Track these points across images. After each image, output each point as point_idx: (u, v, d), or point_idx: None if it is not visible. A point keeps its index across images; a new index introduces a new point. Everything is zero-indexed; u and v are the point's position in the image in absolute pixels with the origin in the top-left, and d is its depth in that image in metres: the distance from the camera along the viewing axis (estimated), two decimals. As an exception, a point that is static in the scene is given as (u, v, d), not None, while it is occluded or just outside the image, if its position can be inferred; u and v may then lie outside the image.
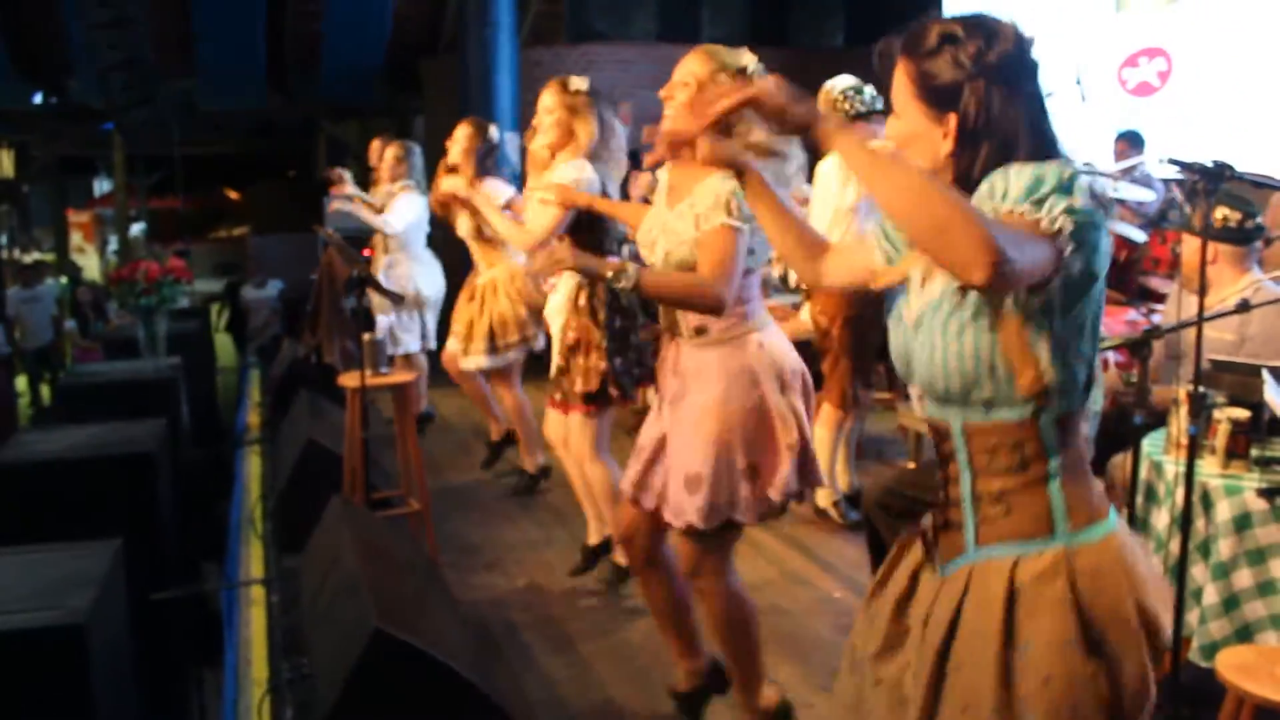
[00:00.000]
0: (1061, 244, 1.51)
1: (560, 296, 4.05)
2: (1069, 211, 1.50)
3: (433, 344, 6.47)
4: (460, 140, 5.16)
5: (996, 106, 1.63)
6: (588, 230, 3.84)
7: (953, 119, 1.64)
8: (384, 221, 6.27)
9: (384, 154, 6.61)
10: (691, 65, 2.82)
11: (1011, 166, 1.57)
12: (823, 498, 4.89)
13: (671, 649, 3.21)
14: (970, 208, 1.43)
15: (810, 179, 4.60)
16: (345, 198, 6.57)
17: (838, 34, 14.07)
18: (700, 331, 2.86)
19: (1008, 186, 1.54)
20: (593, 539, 4.38)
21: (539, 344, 5.19)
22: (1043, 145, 1.64)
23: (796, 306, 5.64)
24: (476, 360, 5.25)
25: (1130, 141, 7.81)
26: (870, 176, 1.51)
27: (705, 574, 2.91)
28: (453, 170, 5.13)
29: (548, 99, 3.96)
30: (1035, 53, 1.70)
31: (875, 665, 1.83)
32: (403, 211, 6.29)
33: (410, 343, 6.44)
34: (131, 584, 3.32)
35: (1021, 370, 1.61)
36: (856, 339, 4.71)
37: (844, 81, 4.66)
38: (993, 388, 1.63)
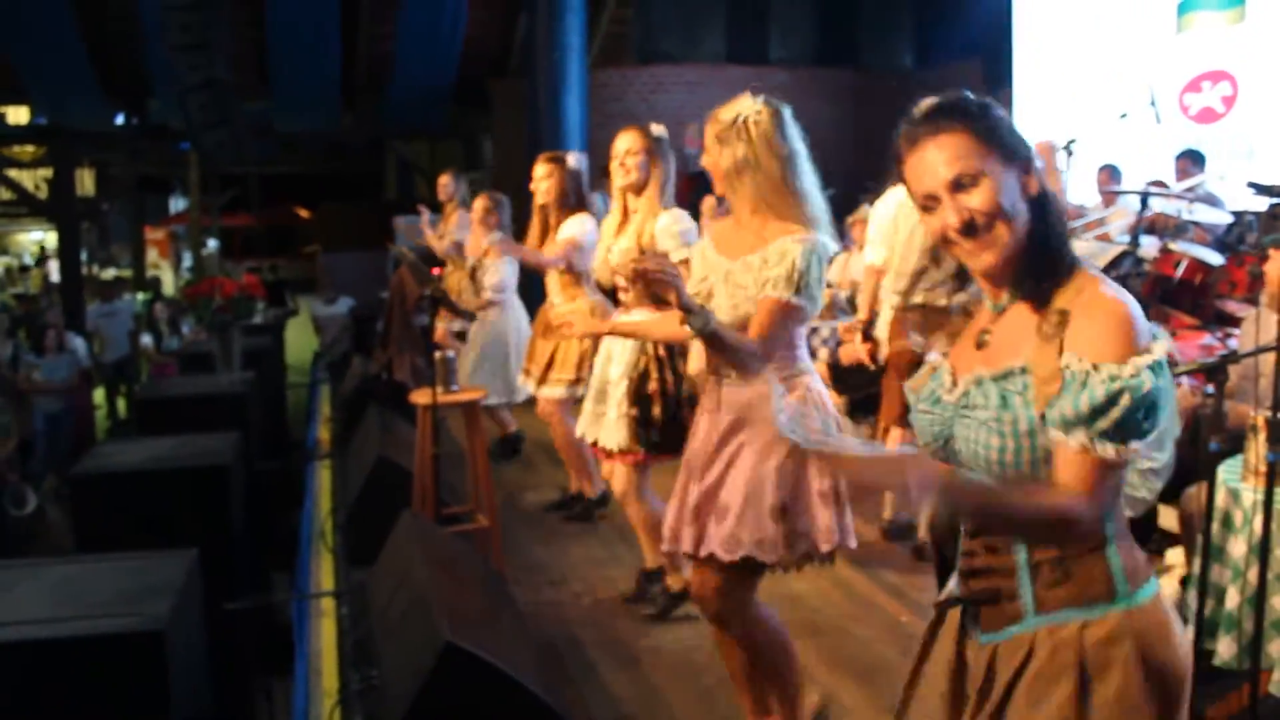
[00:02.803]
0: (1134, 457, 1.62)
1: (627, 342, 4.00)
2: (1143, 431, 1.60)
3: (519, 399, 6.22)
4: (542, 178, 5.08)
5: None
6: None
7: (1029, 165, 1.66)
8: (488, 297, 6.17)
9: (473, 204, 6.52)
10: (707, 133, 2.91)
11: (1091, 371, 1.57)
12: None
13: (744, 706, 3.18)
14: (1044, 509, 1.60)
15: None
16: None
17: (907, 55, 14.02)
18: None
19: (1077, 404, 1.57)
20: (650, 564, 4.37)
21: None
22: None
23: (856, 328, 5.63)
24: (554, 390, 5.14)
25: (1192, 159, 7.68)
26: (978, 516, 1.69)
27: (730, 614, 2.92)
28: (543, 210, 5.11)
29: (631, 143, 3.99)
30: None
31: None
32: (502, 278, 6.18)
33: (492, 396, 6.21)
34: (205, 593, 3.39)
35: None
36: (915, 359, 4.67)
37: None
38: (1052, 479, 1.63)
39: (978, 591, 1.75)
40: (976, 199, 1.63)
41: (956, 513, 1.68)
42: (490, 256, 6.13)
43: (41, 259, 24.24)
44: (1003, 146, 1.64)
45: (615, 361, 4.00)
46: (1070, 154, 6.66)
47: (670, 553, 4.07)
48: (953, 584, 1.85)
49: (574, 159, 5.21)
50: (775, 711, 3.08)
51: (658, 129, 3.99)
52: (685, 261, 3.71)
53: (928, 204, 1.68)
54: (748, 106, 2.85)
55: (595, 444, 4.13)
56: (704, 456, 2.94)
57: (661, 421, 3.86)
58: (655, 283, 2.63)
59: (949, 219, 1.65)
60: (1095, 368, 1.56)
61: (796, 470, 2.82)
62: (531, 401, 5.50)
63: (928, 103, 1.68)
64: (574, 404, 5.23)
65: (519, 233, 6.29)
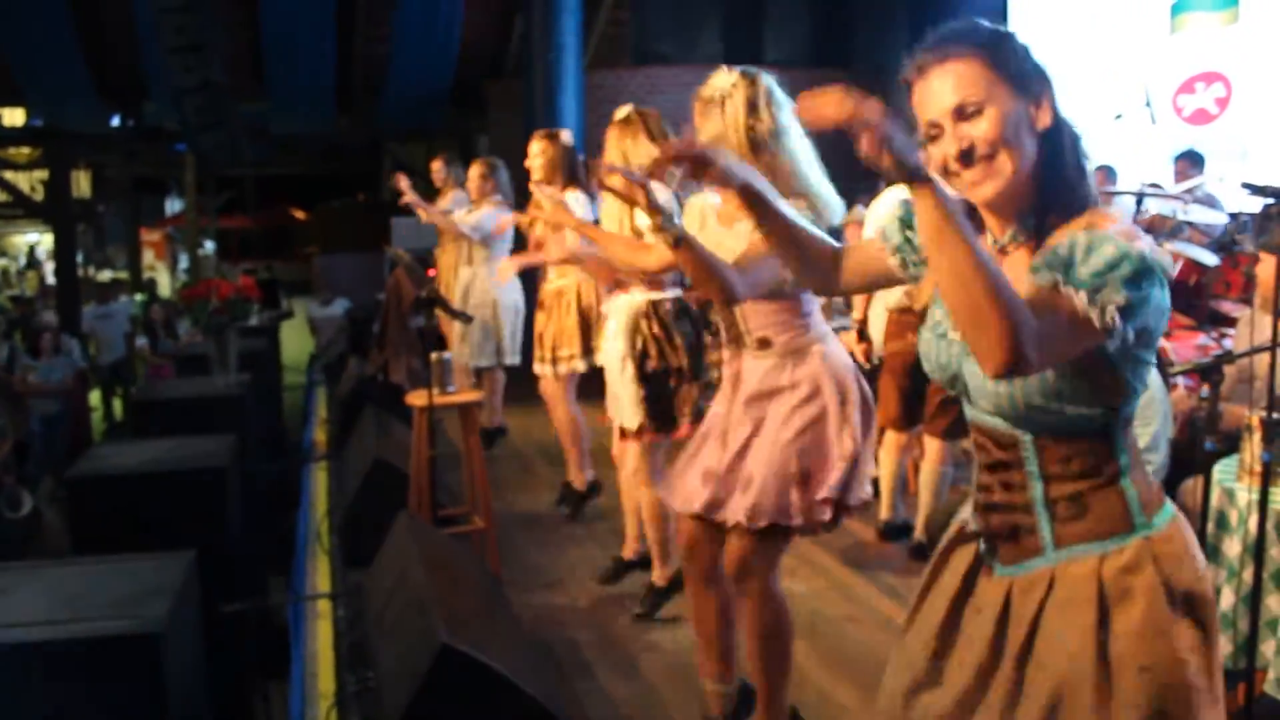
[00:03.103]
0: (1111, 330, 1.51)
1: (621, 316, 4.02)
2: (1128, 307, 1.50)
3: (509, 360, 6.42)
4: (536, 155, 5.14)
5: (1059, 104, 1.65)
6: None
7: (1047, 95, 1.63)
8: (468, 228, 6.25)
9: (468, 172, 6.59)
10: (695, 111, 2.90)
11: (1097, 232, 1.55)
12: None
13: (706, 668, 3.21)
14: (1009, 301, 1.44)
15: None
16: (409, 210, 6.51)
17: (902, 55, 14.02)
18: (764, 344, 2.91)
19: (1081, 257, 1.53)
20: (627, 553, 4.48)
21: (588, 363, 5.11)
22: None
23: (847, 329, 5.64)
24: (554, 368, 5.20)
25: (1191, 161, 7.69)
26: (934, 240, 1.48)
27: (751, 577, 2.93)
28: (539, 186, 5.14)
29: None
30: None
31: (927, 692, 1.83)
32: (485, 221, 6.25)
33: (483, 358, 6.39)
34: (202, 596, 3.39)
35: (1098, 385, 1.62)
36: (910, 360, 4.67)
37: None
38: (1068, 408, 1.63)
39: (996, 527, 1.76)
40: (979, 127, 1.60)
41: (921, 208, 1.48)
42: (484, 207, 6.20)
43: (31, 263, 24.17)
44: (1013, 75, 1.61)
45: (616, 342, 4.00)
46: None
47: (658, 544, 4.12)
48: (967, 514, 1.85)
49: (567, 135, 5.23)
50: (759, 698, 3.09)
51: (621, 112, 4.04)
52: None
53: (931, 132, 1.65)
54: (723, 81, 2.87)
55: (620, 429, 4.12)
56: (725, 425, 2.97)
57: (664, 397, 3.89)
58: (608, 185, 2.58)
59: (948, 147, 1.62)
60: (1094, 235, 1.55)
61: (821, 435, 2.85)
62: (530, 405, 5.54)
63: (938, 36, 1.66)
64: (576, 381, 5.26)
65: (519, 203, 6.32)
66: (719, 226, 2.98)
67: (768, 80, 2.90)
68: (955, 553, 1.87)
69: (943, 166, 1.63)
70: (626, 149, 3.97)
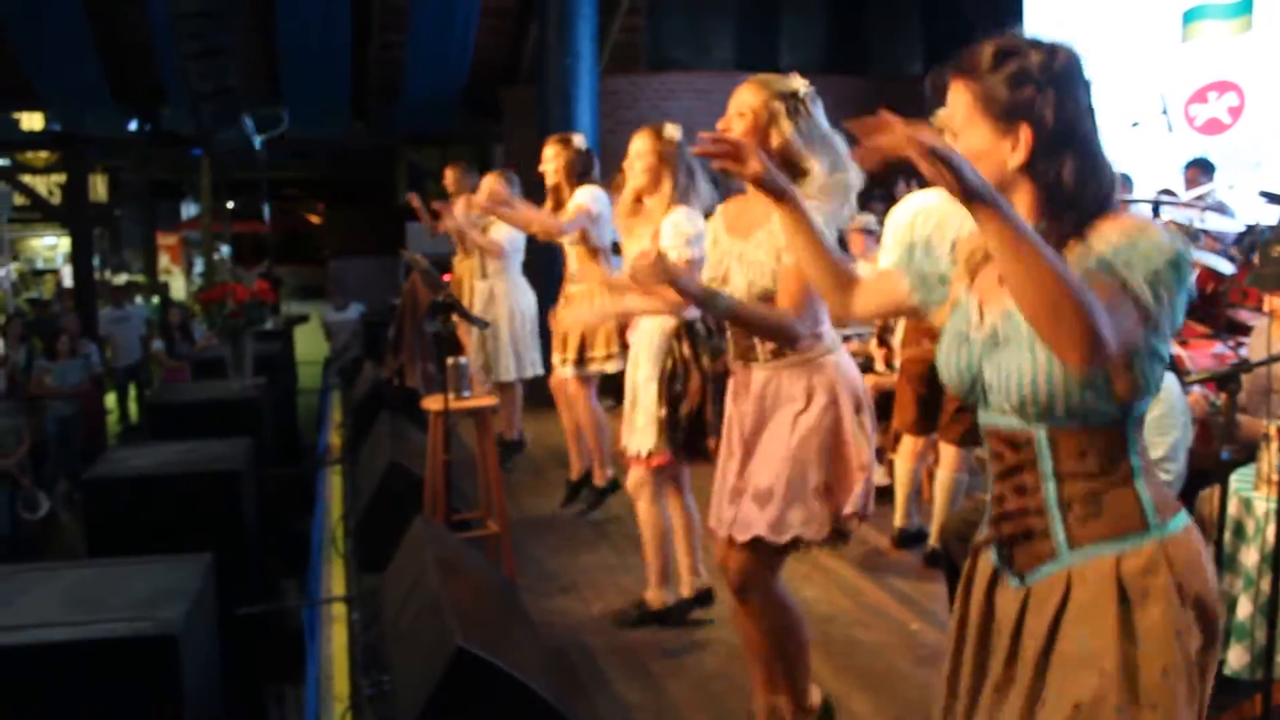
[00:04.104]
0: (1155, 320, 1.58)
1: (651, 337, 3.97)
2: (1173, 302, 1.58)
3: (530, 373, 6.35)
4: (550, 159, 5.15)
5: (1072, 112, 1.66)
6: None
7: (1024, 129, 1.66)
8: (492, 242, 6.22)
9: (480, 184, 6.58)
10: (745, 97, 2.87)
11: (1137, 232, 1.60)
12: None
13: (755, 680, 3.20)
14: (1084, 297, 1.47)
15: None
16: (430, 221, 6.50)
17: (916, 62, 14.00)
18: (778, 354, 2.91)
19: (1133, 257, 1.58)
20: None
21: (621, 364, 5.09)
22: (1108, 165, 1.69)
23: (864, 339, 5.65)
24: (564, 371, 5.21)
25: (1201, 168, 7.65)
26: (1005, 252, 1.50)
27: (753, 588, 2.94)
28: (555, 190, 5.14)
29: (641, 145, 3.97)
30: (1088, 70, 1.72)
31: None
32: (509, 233, 6.22)
33: (502, 372, 6.32)
34: (218, 599, 3.41)
35: (1116, 378, 1.64)
36: (927, 366, 4.67)
37: None
38: (1087, 396, 1.65)
39: (1009, 534, 1.78)
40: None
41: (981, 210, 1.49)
42: (499, 224, 6.19)
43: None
44: (995, 112, 1.67)
45: (642, 364, 3.98)
46: None
47: (657, 568, 4.10)
48: (984, 531, 1.86)
49: (580, 139, 5.23)
50: (783, 695, 3.10)
51: (672, 130, 3.98)
52: (689, 262, 3.74)
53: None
54: (802, 83, 2.87)
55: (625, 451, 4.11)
56: (738, 441, 2.97)
57: (689, 422, 3.85)
58: (660, 284, 2.63)
59: None
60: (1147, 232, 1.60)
61: (838, 445, 2.86)
62: (542, 410, 5.54)
63: (965, 51, 1.73)
64: (600, 381, 5.25)
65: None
66: (734, 238, 2.96)
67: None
68: (975, 574, 1.88)
69: None
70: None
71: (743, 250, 2.90)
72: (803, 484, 2.83)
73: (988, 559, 1.84)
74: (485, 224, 6.36)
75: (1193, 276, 1.63)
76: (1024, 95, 1.66)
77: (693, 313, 3.80)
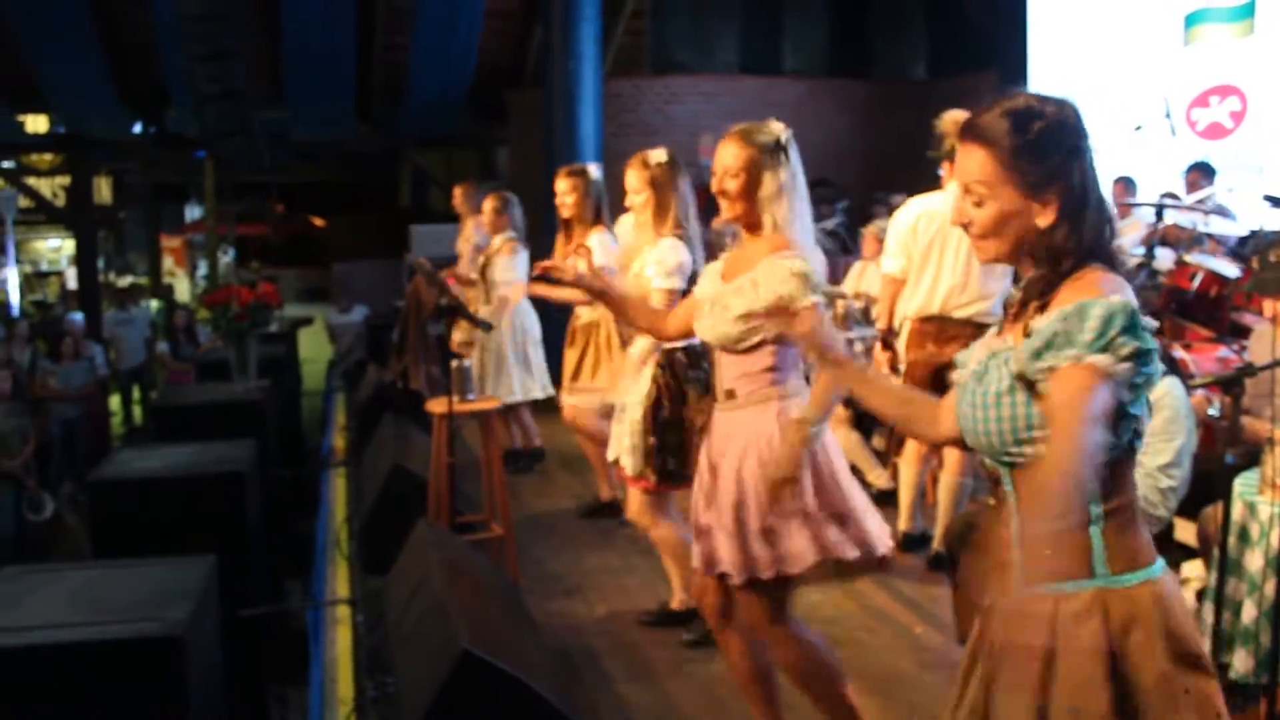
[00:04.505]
0: (1121, 382, 1.60)
1: (638, 358, 3.96)
2: (1133, 356, 1.59)
3: (538, 394, 6.27)
4: (566, 193, 5.06)
5: (1089, 171, 1.72)
6: None
7: (1054, 194, 1.70)
8: (502, 293, 6.15)
9: (482, 205, 6.55)
10: (732, 156, 2.87)
11: (1082, 303, 1.63)
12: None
13: (754, 713, 3.17)
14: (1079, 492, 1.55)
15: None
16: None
17: (920, 65, 14.01)
18: (730, 396, 2.93)
19: (1079, 328, 1.61)
20: (675, 604, 4.28)
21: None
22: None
23: (873, 340, 5.64)
24: (583, 399, 5.12)
25: (1202, 172, 7.64)
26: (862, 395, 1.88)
27: (762, 624, 2.94)
28: (567, 224, 5.10)
29: (633, 179, 4.00)
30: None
31: None
32: (512, 271, 6.15)
33: (512, 394, 6.21)
34: (222, 600, 3.42)
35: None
36: (931, 369, 4.67)
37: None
38: (1036, 447, 1.67)
39: (1000, 559, 1.81)
40: (978, 213, 1.76)
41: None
42: (501, 254, 6.16)
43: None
44: (1025, 176, 1.70)
45: (636, 379, 3.97)
46: None
47: (682, 577, 4.09)
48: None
49: (595, 170, 5.19)
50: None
51: (658, 154, 3.99)
52: (670, 292, 3.79)
53: (957, 188, 1.81)
54: (780, 128, 2.88)
55: (617, 463, 4.12)
56: (705, 480, 2.98)
57: (675, 449, 3.83)
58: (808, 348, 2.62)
59: (955, 211, 1.81)
60: (1079, 305, 1.63)
61: (775, 492, 2.81)
62: (547, 413, 5.51)
63: (976, 111, 1.76)
64: (605, 411, 5.23)
65: (530, 233, 6.28)
66: (720, 282, 2.97)
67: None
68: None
69: (954, 221, 1.83)
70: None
71: (721, 293, 2.92)
72: (745, 525, 2.83)
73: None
74: (488, 261, 6.28)
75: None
76: (1053, 162, 1.70)
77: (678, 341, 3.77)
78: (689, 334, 3.13)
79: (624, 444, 3.95)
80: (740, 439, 2.87)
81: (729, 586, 2.96)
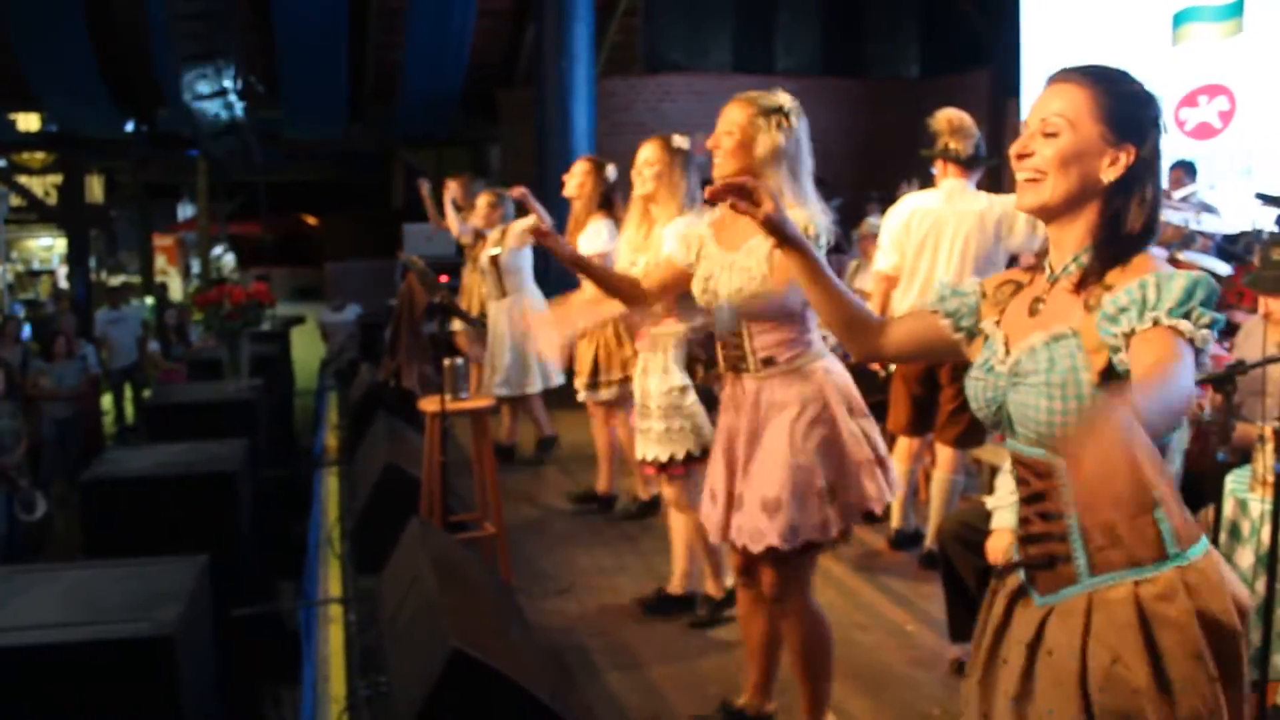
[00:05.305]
0: (1200, 349, 1.59)
1: (665, 345, 3.98)
2: (1212, 324, 1.60)
3: (554, 382, 6.32)
4: (576, 175, 5.15)
5: (1157, 150, 1.74)
6: None
7: (1129, 149, 1.71)
8: (512, 268, 6.23)
9: (475, 201, 6.63)
10: (733, 115, 2.92)
11: (1162, 273, 1.64)
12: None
13: (749, 677, 3.26)
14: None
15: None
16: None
17: (913, 65, 14.02)
18: (768, 363, 2.93)
19: (1159, 296, 1.61)
20: (673, 588, 4.33)
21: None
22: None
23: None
24: (601, 393, 5.16)
25: (1185, 170, 7.68)
26: (809, 283, 1.87)
27: (789, 595, 2.98)
28: (572, 204, 5.14)
29: (650, 153, 3.99)
30: None
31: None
32: (522, 266, 6.25)
33: (524, 387, 6.29)
34: (214, 600, 3.41)
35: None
36: (922, 367, 4.67)
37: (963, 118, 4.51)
38: None
39: (1034, 557, 1.81)
40: (1046, 146, 1.72)
41: None
42: (511, 244, 6.19)
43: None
44: (1110, 122, 1.71)
45: (651, 373, 3.99)
46: None
47: (709, 562, 4.12)
48: (1013, 551, 1.90)
49: (612, 170, 5.20)
50: (803, 704, 3.12)
51: (681, 140, 4.01)
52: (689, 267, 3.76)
53: (1022, 128, 1.78)
54: (787, 99, 2.93)
55: (643, 461, 4.12)
56: (736, 452, 2.99)
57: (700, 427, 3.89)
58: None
59: (1017, 143, 1.76)
60: (1157, 275, 1.64)
61: (836, 446, 2.90)
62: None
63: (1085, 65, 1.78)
64: (623, 405, 5.24)
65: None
66: (723, 251, 2.98)
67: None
68: (1000, 589, 1.91)
69: (1014, 153, 1.77)
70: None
71: (733, 260, 2.93)
72: (809, 488, 2.86)
73: (1015, 577, 1.88)
74: (493, 239, 6.29)
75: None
76: (1138, 120, 1.72)
77: (697, 320, 3.81)
78: (666, 293, 3.16)
79: (650, 435, 3.97)
80: (793, 403, 2.90)
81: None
